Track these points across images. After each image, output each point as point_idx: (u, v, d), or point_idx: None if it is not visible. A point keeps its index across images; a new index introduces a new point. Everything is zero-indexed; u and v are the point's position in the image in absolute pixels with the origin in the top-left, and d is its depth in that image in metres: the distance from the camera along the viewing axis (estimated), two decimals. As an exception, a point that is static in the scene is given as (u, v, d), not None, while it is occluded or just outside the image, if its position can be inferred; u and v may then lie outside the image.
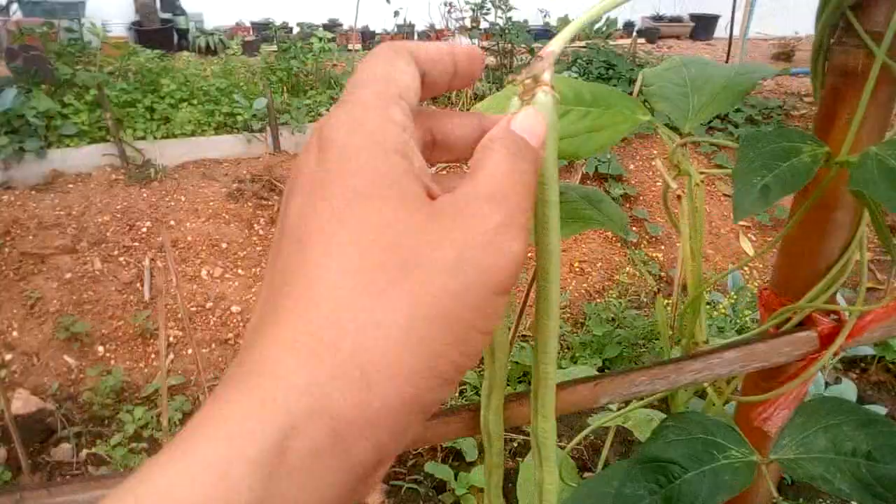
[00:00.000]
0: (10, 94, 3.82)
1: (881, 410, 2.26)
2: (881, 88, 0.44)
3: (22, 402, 2.78)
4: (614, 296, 3.45)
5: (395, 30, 7.37)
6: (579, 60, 5.52)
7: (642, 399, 0.56)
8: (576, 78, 0.53)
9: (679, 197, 0.44)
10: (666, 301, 0.49)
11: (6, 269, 3.30)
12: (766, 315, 0.50)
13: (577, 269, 3.73)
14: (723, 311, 2.54)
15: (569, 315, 3.37)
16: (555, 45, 0.31)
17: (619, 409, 0.78)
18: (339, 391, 0.22)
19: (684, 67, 0.51)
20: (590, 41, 5.86)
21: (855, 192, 0.38)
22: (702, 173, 0.45)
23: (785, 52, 7.25)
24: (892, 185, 0.34)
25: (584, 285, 3.63)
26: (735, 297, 2.53)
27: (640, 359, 2.87)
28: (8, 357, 2.97)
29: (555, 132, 0.30)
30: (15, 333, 3.07)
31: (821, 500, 2.24)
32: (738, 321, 2.56)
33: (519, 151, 0.28)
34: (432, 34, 7.40)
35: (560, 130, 0.45)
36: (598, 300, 3.48)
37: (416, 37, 7.60)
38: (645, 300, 3.49)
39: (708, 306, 2.66)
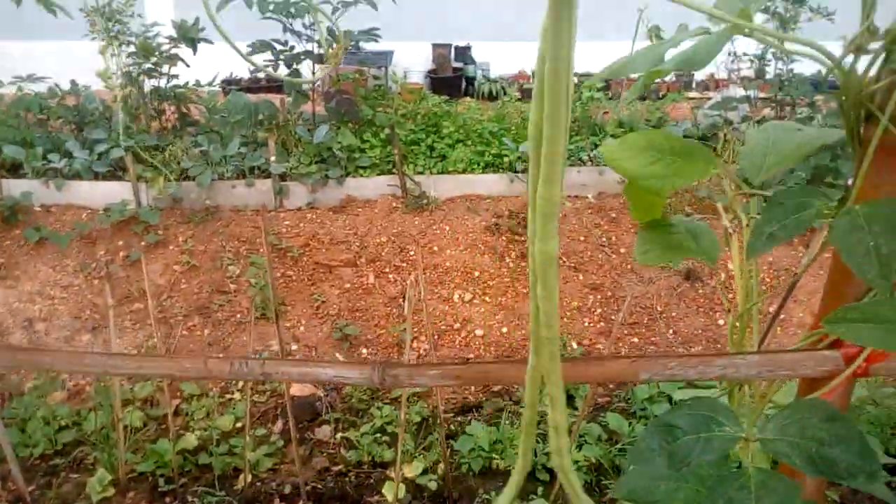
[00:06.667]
0: (323, 130, 4.60)
1: None
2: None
3: (299, 387, 3.33)
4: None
5: (673, 78, 7.32)
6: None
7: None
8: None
9: (731, 234, 0.53)
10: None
11: (302, 274, 3.97)
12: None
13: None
14: None
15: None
16: None
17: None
18: None
19: (770, 129, 0.59)
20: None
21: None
22: (751, 217, 0.53)
23: None
24: (857, 241, 0.41)
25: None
26: None
27: None
28: (294, 347, 3.57)
29: None
30: (302, 329, 3.68)
31: None
32: None
33: None
34: (711, 83, 7.22)
35: (651, 173, 0.56)
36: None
37: (694, 84, 7.47)
38: None
39: None
